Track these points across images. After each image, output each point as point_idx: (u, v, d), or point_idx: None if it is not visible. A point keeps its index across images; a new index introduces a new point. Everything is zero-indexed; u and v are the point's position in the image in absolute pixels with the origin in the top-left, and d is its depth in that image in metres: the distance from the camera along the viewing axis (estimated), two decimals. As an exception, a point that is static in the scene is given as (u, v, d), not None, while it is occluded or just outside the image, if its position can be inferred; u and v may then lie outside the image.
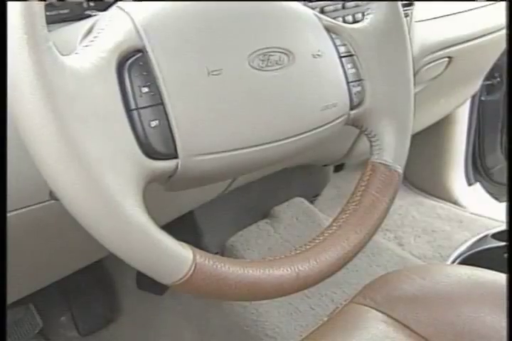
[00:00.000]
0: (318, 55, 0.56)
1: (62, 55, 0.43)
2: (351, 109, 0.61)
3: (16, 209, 0.59)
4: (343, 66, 0.59)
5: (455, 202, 1.61)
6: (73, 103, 0.41)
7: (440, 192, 1.62)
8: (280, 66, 0.53)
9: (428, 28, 1.16)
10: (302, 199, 1.39)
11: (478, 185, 1.67)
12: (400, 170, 0.63)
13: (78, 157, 0.41)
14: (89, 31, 0.54)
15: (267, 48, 0.52)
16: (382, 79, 0.62)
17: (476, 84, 1.48)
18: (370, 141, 0.64)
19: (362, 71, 0.61)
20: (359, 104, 0.61)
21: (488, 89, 1.63)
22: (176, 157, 0.47)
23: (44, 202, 0.60)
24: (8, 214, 0.59)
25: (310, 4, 0.86)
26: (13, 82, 0.40)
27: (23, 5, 0.39)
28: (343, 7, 0.92)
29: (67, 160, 0.40)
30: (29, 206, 0.60)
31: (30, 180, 0.54)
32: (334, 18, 0.90)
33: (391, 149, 0.63)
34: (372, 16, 0.63)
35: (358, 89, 0.61)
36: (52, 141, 0.40)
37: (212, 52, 0.49)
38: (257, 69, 0.51)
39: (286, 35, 0.54)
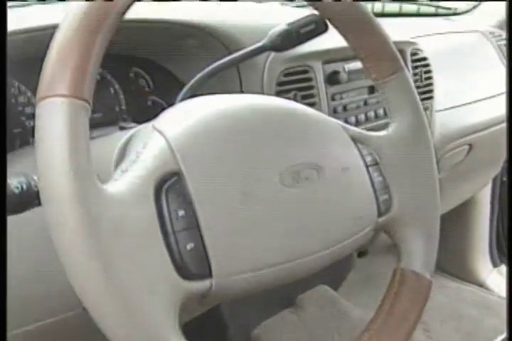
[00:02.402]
0: (347, 168, 0.58)
1: (102, 182, 0.45)
2: (379, 216, 0.61)
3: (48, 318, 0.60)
4: (370, 176, 0.61)
5: (481, 285, 1.58)
6: (114, 232, 0.43)
7: (465, 274, 1.60)
8: (310, 182, 0.54)
9: (448, 117, 1.19)
10: (326, 287, 1.38)
11: (503, 267, 1.64)
12: (430, 277, 0.63)
13: (118, 288, 0.42)
14: (124, 149, 0.56)
15: (298, 165, 0.54)
16: (408, 187, 0.64)
17: (497, 167, 1.49)
18: (398, 247, 0.65)
19: (388, 179, 0.62)
20: (386, 212, 0.62)
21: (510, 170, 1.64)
22: (210, 277, 0.48)
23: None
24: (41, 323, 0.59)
25: (334, 103, 0.89)
26: (56, 212, 0.41)
27: (70, 141, 0.41)
28: (365, 104, 0.96)
29: (107, 291, 0.41)
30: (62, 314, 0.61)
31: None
32: (357, 116, 0.94)
33: (419, 256, 0.63)
34: (397, 125, 0.65)
35: (385, 197, 0.62)
36: (93, 274, 0.41)
37: (245, 174, 0.51)
38: (288, 186, 0.52)
39: (315, 151, 0.56)
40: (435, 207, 0.66)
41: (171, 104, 0.84)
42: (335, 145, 0.59)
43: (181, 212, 0.47)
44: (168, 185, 0.48)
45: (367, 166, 0.61)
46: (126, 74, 0.85)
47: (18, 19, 0.74)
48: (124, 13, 0.46)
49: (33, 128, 0.76)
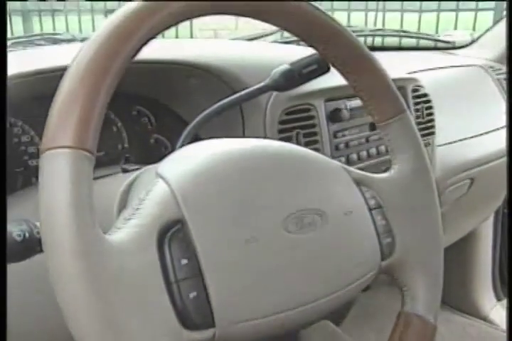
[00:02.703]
0: (350, 212, 0.58)
1: (104, 229, 0.44)
2: (382, 260, 0.61)
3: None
4: (373, 219, 0.60)
5: (485, 319, 1.56)
6: (116, 283, 0.42)
7: (469, 308, 1.58)
8: (313, 227, 0.54)
9: (449, 151, 1.19)
10: (328, 322, 1.36)
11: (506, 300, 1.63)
12: (434, 321, 0.62)
13: (119, 339, 0.41)
14: (127, 194, 0.56)
15: (301, 211, 0.53)
16: (412, 230, 0.63)
17: (499, 200, 1.49)
18: (402, 291, 0.64)
19: (391, 222, 0.62)
20: (389, 255, 0.61)
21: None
22: (213, 326, 0.48)
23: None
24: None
25: (336, 141, 0.90)
26: (58, 262, 0.41)
27: (73, 193, 0.41)
28: (367, 140, 0.96)
29: (107, 338, 0.41)
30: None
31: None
32: (359, 153, 0.94)
33: (423, 299, 0.63)
34: (399, 167, 0.65)
35: (389, 240, 0.61)
36: (94, 325, 0.40)
37: (248, 221, 0.50)
38: (291, 233, 0.52)
39: (318, 195, 0.56)
40: (438, 250, 0.65)
41: (173, 143, 0.85)
42: (338, 188, 0.59)
43: (184, 261, 0.47)
44: (172, 233, 0.47)
45: (370, 209, 0.60)
46: (129, 112, 0.85)
47: (22, 60, 0.75)
48: (132, 56, 0.46)
49: (35, 168, 0.76)
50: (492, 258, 1.61)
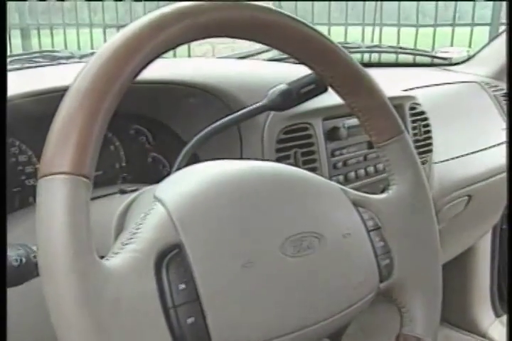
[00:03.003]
0: (348, 234, 0.57)
1: (101, 252, 0.44)
2: (380, 282, 0.61)
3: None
4: (371, 241, 0.60)
5: (484, 336, 1.55)
6: (113, 310, 0.42)
7: (467, 324, 1.57)
8: (311, 250, 0.54)
9: (446, 168, 1.19)
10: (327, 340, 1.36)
11: (506, 317, 1.62)
12: None
13: None
14: (124, 216, 0.56)
15: (299, 234, 0.53)
16: (410, 251, 0.63)
17: (497, 216, 1.49)
18: (401, 312, 0.64)
19: (390, 243, 0.62)
20: (388, 277, 0.61)
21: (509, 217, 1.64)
22: None
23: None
24: None
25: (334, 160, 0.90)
26: (55, 289, 0.41)
27: (70, 220, 0.41)
28: (365, 159, 0.96)
29: None
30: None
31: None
32: (357, 171, 0.94)
33: (422, 321, 0.63)
34: (397, 188, 0.65)
35: (387, 261, 0.61)
36: None
37: (246, 245, 0.50)
38: (289, 256, 0.52)
39: (317, 218, 0.56)
40: (437, 271, 0.65)
41: (171, 161, 0.85)
42: (336, 210, 0.58)
43: (182, 286, 0.46)
44: (169, 258, 0.47)
45: (368, 231, 0.60)
46: (126, 131, 0.85)
47: (20, 81, 0.75)
48: (131, 80, 0.46)
49: (32, 188, 0.76)
50: (490, 275, 1.60)
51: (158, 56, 0.48)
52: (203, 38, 0.52)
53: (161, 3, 4.88)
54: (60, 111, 0.44)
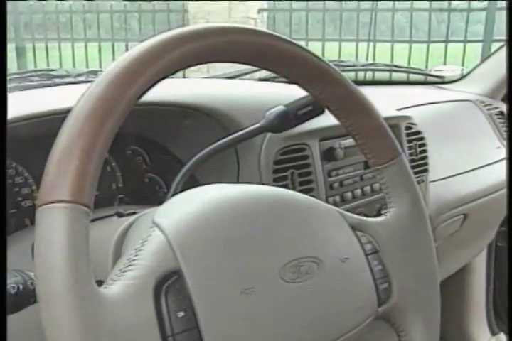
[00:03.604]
0: (346, 258, 0.57)
1: (99, 277, 0.44)
2: (379, 305, 0.61)
3: None
4: (369, 264, 0.60)
5: (480, 354, 1.55)
6: (111, 334, 0.42)
7: (463, 342, 1.57)
8: (310, 276, 0.54)
9: (442, 187, 1.20)
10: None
11: (502, 335, 1.61)
12: None
13: None
14: (122, 241, 0.56)
15: (298, 259, 0.53)
16: (408, 274, 0.63)
17: (492, 234, 1.49)
18: (399, 336, 0.64)
19: (388, 267, 0.62)
20: (386, 300, 0.61)
21: (503, 235, 1.64)
22: None
23: None
24: None
25: (331, 177, 0.90)
26: (53, 317, 0.41)
27: (70, 248, 0.41)
28: (361, 179, 0.96)
29: None
30: None
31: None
32: (353, 191, 0.94)
33: None
34: (395, 210, 0.65)
35: (385, 285, 0.61)
36: None
37: (244, 271, 0.50)
38: (288, 282, 0.52)
39: (315, 243, 0.56)
40: (435, 294, 0.65)
41: (168, 182, 0.85)
42: (334, 235, 0.58)
43: (181, 313, 0.46)
44: (168, 285, 0.47)
45: (366, 255, 0.60)
46: (123, 151, 0.85)
47: (17, 103, 0.75)
48: (134, 103, 0.46)
49: (28, 209, 0.76)
50: (486, 293, 1.60)
51: (157, 82, 0.48)
52: (203, 62, 0.52)
53: (157, 15, 4.93)
54: (60, 137, 0.44)
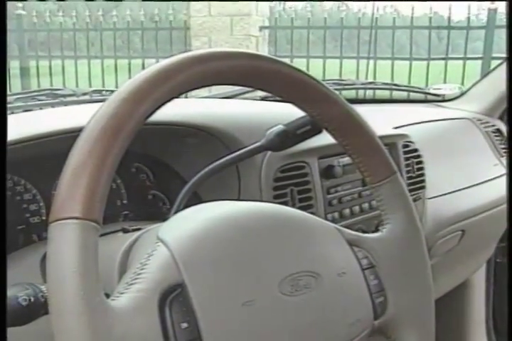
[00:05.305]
0: (343, 273, 0.60)
1: (106, 290, 0.46)
2: (375, 319, 0.62)
3: None
4: (365, 279, 0.62)
5: (479, 370, 1.56)
6: None
7: (463, 358, 1.58)
8: (308, 289, 0.56)
9: (439, 204, 1.21)
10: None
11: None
12: None
13: None
14: (127, 256, 0.58)
15: (296, 273, 0.55)
16: (404, 288, 0.65)
17: (491, 250, 1.51)
18: (394, 349, 0.65)
19: (384, 281, 0.64)
20: (382, 314, 0.63)
21: (502, 250, 1.65)
22: None
23: None
24: None
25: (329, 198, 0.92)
26: (65, 329, 0.43)
27: (80, 264, 0.43)
28: (360, 196, 0.98)
29: None
30: None
31: None
32: (351, 208, 0.96)
33: None
34: (390, 226, 0.67)
35: (381, 299, 0.63)
36: None
37: (245, 284, 0.52)
38: (286, 295, 0.54)
39: (313, 258, 0.58)
40: (430, 308, 0.67)
41: (171, 198, 0.87)
42: (332, 250, 0.61)
43: (184, 325, 0.48)
44: (172, 297, 0.49)
45: (363, 269, 0.63)
46: (128, 169, 0.87)
47: (24, 123, 0.78)
48: (141, 123, 0.49)
49: (36, 225, 0.78)
50: (485, 309, 1.61)
51: (165, 103, 0.51)
52: (210, 85, 0.55)
53: (159, 33, 4.99)
54: (72, 157, 0.46)
